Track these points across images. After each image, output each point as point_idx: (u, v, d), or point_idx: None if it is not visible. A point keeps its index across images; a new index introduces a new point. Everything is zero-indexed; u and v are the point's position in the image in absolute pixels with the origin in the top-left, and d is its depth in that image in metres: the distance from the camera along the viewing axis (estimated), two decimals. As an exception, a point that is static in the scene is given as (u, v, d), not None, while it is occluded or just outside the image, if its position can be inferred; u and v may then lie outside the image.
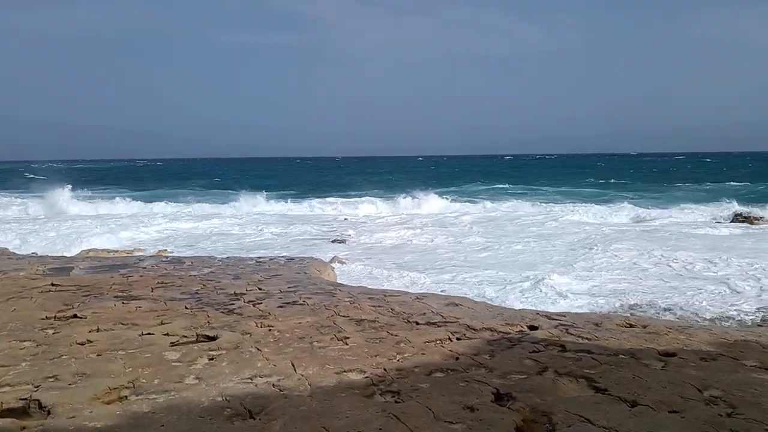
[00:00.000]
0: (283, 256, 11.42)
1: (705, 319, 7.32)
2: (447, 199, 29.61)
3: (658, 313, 7.76)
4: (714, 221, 21.71)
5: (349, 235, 18.01)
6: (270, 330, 5.15)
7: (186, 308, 6.02)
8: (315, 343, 4.67)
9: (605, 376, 3.80)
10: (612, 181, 48.38)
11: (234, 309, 6.05)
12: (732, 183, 42.24)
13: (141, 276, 8.10)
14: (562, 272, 11.03)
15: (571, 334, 4.99)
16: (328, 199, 31.54)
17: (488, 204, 28.28)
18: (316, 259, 11.13)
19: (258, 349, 4.52)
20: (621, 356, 4.27)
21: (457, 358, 4.25)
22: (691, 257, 12.36)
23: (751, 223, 20.48)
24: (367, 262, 12.99)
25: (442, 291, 9.02)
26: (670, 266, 11.65)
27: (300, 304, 6.34)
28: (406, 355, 4.34)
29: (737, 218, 21.60)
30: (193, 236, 18.36)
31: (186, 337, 4.95)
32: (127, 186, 48.50)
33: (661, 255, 12.75)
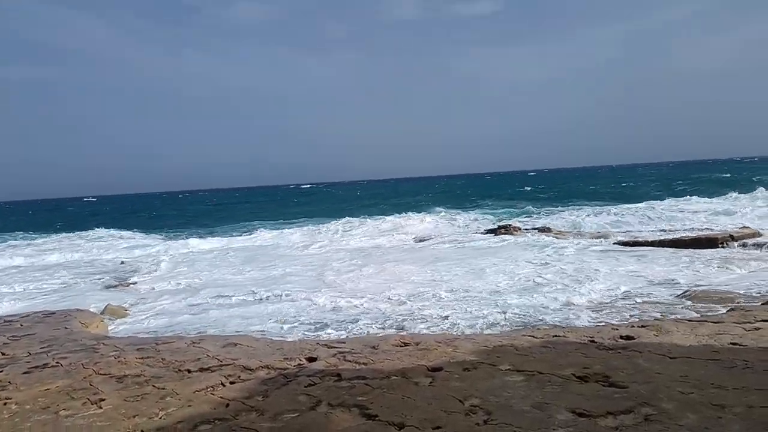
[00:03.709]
0: (39, 312, 9.97)
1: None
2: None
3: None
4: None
5: (130, 280, 16.49)
6: (6, 404, 4.36)
7: None
8: (62, 413, 4.03)
9: (376, 401, 3.81)
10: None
11: (-39, 384, 5.04)
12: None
13: None
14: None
15: (349, 361, 4.98)
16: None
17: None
18: (82, 310, 9.94)
19: (-16, 431, 3.77)
20: (393, 378, 4.35)
21: (228, 405, 3.96)
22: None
23: (512, 234, 23.07)
24: (159, 304, 11.92)
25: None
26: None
27: (52, 367, 5.52)
28: (170, 410, 3.93)
29: (500, 230, 24.22)
30: None
31: None
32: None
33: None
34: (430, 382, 4.18)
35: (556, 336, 5.49)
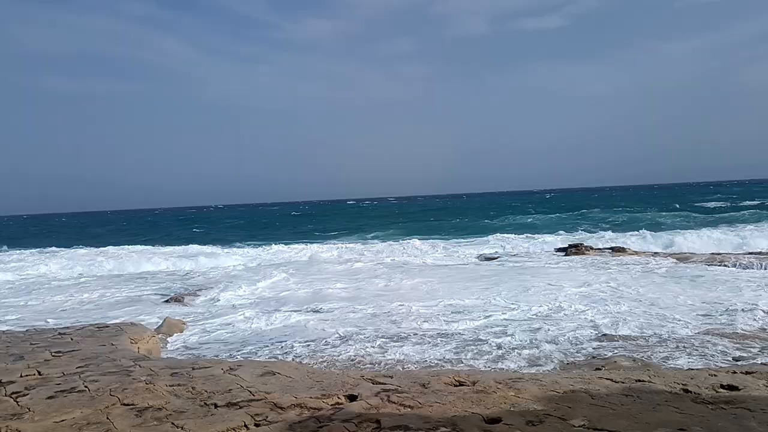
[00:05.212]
0: (94, 325, 9.81)
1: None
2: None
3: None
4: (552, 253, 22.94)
5: (189, 293, 16.44)
6: (11, 437, 3.96)
7: None
8: (62, 455, 3.58)
9: (417, 464, 3.14)
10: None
11: (-19, 408, 4.71)
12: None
13: None
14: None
15: (393, 402, 4.33)
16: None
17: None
18: (135, 324, 9.70)
19: (-26, 476, 3.35)
20: (441, 429, 3.66)
21: (245, 457, 3.39)
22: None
23: (583, 253, 21.75)
24: (217, 320, 11.62)
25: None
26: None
27: (79, 392, 5.13)
28: (178, 460, 3.40)
29: (570, 249, 22.91)
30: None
31: None
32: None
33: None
34: (485, 439, 3.47)
35: (639, 381, 4.64)
